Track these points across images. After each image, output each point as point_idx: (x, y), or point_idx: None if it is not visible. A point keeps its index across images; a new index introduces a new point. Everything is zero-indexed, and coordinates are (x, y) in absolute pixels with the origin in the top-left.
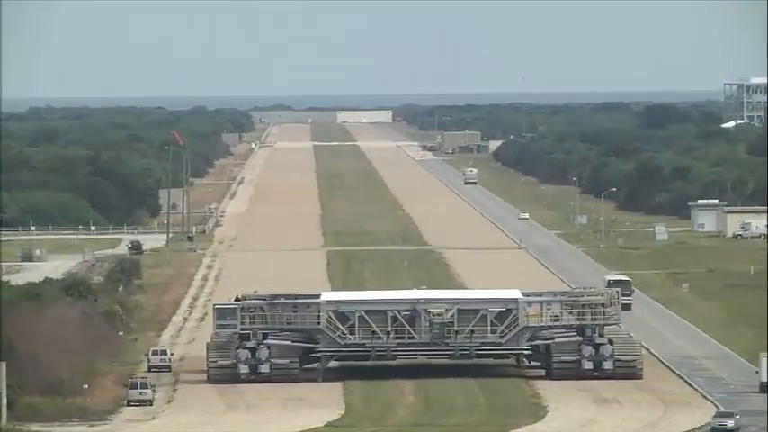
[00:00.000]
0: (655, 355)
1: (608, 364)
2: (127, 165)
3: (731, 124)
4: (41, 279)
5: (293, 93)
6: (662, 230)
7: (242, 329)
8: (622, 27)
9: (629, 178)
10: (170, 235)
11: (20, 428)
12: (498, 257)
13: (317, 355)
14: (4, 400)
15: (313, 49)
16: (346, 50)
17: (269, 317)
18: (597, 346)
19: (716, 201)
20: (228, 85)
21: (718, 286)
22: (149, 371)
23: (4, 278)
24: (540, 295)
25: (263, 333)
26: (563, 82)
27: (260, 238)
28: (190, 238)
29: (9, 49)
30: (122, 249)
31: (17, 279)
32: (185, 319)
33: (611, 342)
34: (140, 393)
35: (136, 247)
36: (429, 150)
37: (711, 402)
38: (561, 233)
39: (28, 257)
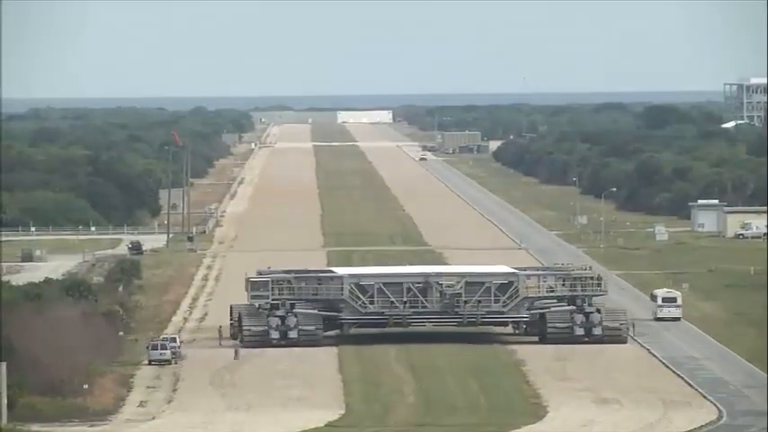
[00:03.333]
0: (655, 356)
1: (597, 331)
2: (127, 165)
3: (731, 124)
4: (41, 279)
5: (293, 93)
6: (662, 230)
7: (273, 300)
8: (622, 27)
9: (629, 178)
10: (170, 235)
11: (20, 428)
12: (499, 258)
13: (340, 322)
14: (4, 400)
15: (313, 49)
16: (346, 50)
17: (296, 289)
18: (587, 315)
19: (716, 201)
20: (228, 85)
21: (718, 286)
22: (150, 364)
23: (5, 278)
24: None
25: (291, 303)
26: (563, 82)
27: (260, 239)
28: (190, 239)
29: (9, 49)
30: (122, 250)
31: (17, 279)
32: (185, 320)
33: (599, 311)
34: (160, 354)
35: (136, 248)
36: (429, 150)
37: (711, 402)
38: (561, 233)
39: (28, 258)
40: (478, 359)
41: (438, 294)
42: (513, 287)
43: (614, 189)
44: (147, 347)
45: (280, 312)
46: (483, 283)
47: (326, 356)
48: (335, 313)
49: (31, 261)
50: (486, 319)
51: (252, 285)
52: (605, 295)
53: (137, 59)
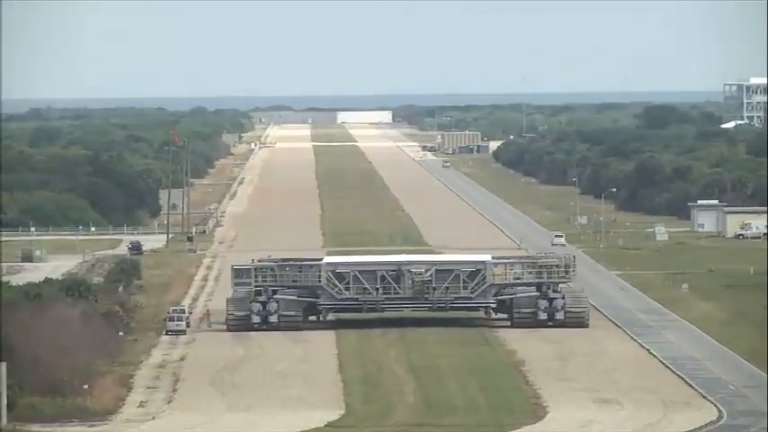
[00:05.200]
0: (654, 356)
1: (560, 315)
2: (127, 165)
3: (731, 124)
4: (41, 279)
5: (293, 93)
6: (662, 231)
7: (255, 287)
8: (622, 27)
9: (629, 178)
10: (170, 235)
11: (20, 429)
12: None
13: (319, 308)
14: (4, 401)
15: (313, 49)
16: (346, 50)
17: (278, 276)
18: (551, 300)
19: (716, 201)
20: (228, 85)
21: (718, 286)
22: (167, 334)
23: (5, 278)
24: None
25: (273, 290)
26: (563, 82)
27: (260, 239)
28: (190, 239)
29: (9, 49)
30: (122, 250)
31: (17, 279)
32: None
33: (563, 296)
34: (177, 325)
35: (136, 248)
36: (429, 151)
37: (711, 403)
38: (561, 233)
39: (28, 258)
40: (478, 359)
41: (410, 281)
42: (480, 274)
43: (614, 189)
44: (165, 319)
45: (261, 298)
46: (452, 271)
47: (326, 357)
48: (314, 299)
49: (31, 261)
50: (454, 305)
51: (235, 273)
52: (572, 282)
53: (137, 59)
